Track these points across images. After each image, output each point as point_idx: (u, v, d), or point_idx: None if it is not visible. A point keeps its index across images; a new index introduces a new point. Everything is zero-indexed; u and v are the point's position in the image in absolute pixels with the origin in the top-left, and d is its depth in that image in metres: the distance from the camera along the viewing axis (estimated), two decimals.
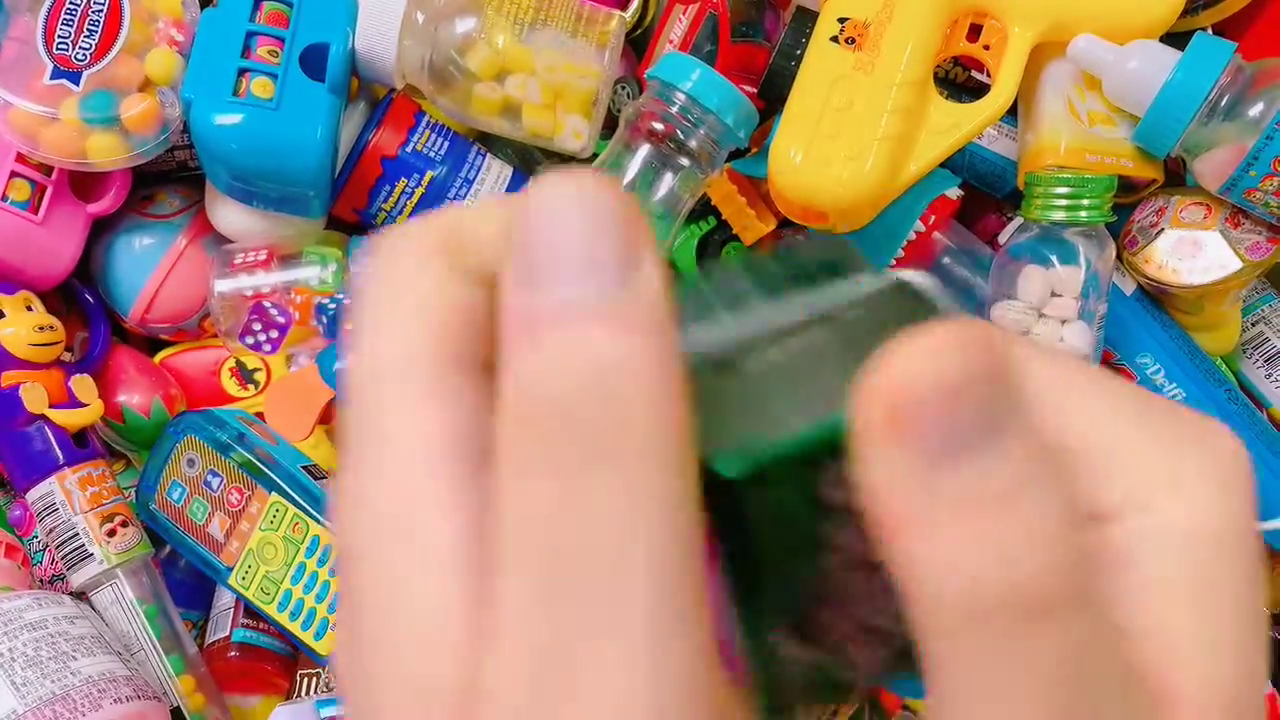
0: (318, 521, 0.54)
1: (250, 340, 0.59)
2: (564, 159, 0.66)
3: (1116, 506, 0.16)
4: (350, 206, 0.62)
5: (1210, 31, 0.57)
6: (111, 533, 0.56)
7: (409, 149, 0.60)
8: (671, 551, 0.14)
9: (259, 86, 0.54)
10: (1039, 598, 0.14)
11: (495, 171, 0.62)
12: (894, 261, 0.58)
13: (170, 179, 0.64)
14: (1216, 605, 0.16)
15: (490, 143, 0.65)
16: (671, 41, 0.63)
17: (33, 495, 0.56)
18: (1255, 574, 0.17)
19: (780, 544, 0.16)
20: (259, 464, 0.55)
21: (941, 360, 0.14)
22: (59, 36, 0.54)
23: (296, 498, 0.54)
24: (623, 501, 0.14)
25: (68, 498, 0.56)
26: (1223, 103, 0.52)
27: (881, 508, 0.14)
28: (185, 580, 0.62)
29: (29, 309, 0.57)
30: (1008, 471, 0.14)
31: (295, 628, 0.54)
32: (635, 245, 0.15)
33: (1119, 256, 0.58)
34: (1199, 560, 0.16)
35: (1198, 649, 0.16)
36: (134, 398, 0.60)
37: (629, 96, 0.65)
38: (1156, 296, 0.59)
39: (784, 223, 0.64)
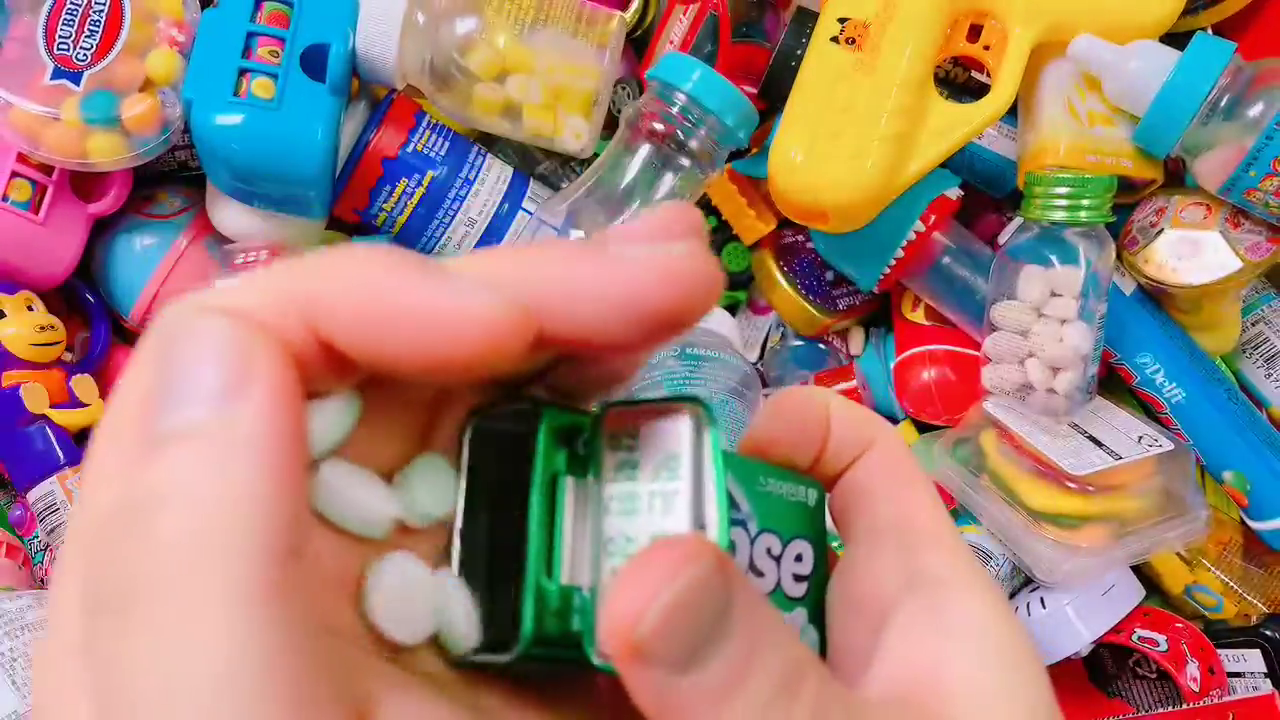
0: None
1: None
2: (565, 159, 0.66)
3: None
4: (351, 207, 0.62)
5: (1210, 31, 0.57)
6: None
7: (409, 149, 0.60)
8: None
9: (260, 87, 0.54)
10: None
11: (495, 172, 0.62)
12: (894, 261, 0.58)
13: (171, 179, 0.64)
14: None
15: (491, 143, 0.65)
16: (672, 42, 0.63)
17: (34, 495, 0.56)
18: None
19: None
20: None
21: (665, 587, 0.16)
22: (60, 37, 0.54)
23: None
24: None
25: (69, 498, 0.56)
26: (1222, 103, 0.52)
27: (642, 703, 0.17)
28: None
29: (30, 309, 0.57)
30: (734, 661, 0.17)
31: None
32: (243, 373, 0.15)
33: (1119, 256, 0.58)
34: None
35: None
36: None
37: (629, 97, 0.65)
38: (1156, 296, 0.59)
39: (784, 222, 0.64)
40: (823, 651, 0.23)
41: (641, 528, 0.19)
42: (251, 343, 0.15)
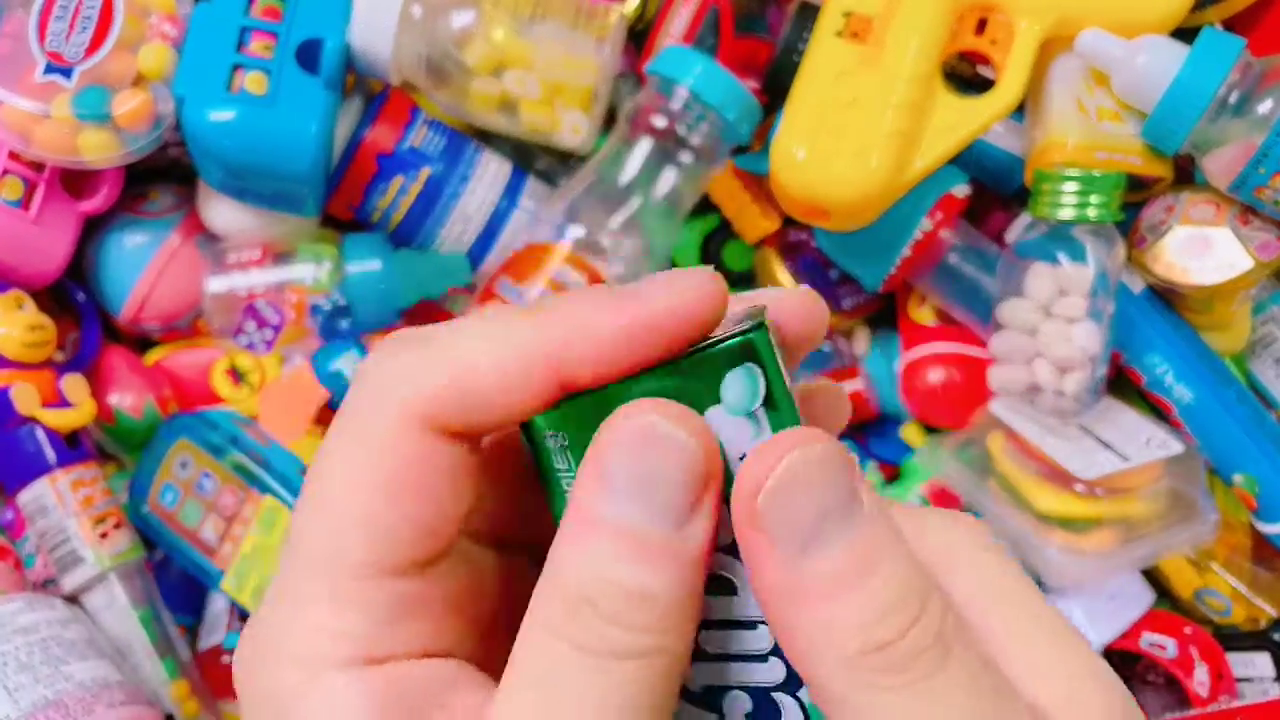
0: None
1: (244, 340, 0.59)
2: (563, 155, 0.66)
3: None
4: (345, 203, 0.61)
5: (1219, 27, 0.57)
6: (104, 535, 0.55)
7: (405, 145, 0.60)
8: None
9: (253, 82, 0.53)
10: (901, 650, 0.17)
11: (493, 168, 0.62)
12: (900, 260, 0.58)
13: (163, 176, 0.63)
14: None
15: (488, 138, 0.64)
16: (673, 36, 0.63)
17: (24, 497, 0.56)
18: None
19: None
20: (253, 466, 0.54)
21: (786, 456, 0.18)
22: (51, 32, 0.53)
23: (291, 500, 0.54)
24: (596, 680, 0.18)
25: (59, 500, 0.55)
26: (1232, 99, 0.51)
27: (761, 585, 0.18)
28: (178, 584, 0.61)
29: (21, 308, 0.56)
30: (856, 552, 0.18)
31: None
32: (699, 499, 0.19)
33: (1128, 255, 0.57)
34: None
35: None
36: (126, 399, 0.60)
37: (629, 92, 0.65)
38: (1165, 295, 0.59)
39: (787, 221, 0.64)
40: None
41: None
42: (709, 473, 0.19)
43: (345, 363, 0.58)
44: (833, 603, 0.18)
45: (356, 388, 0.20)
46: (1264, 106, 0.51)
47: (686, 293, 0.19)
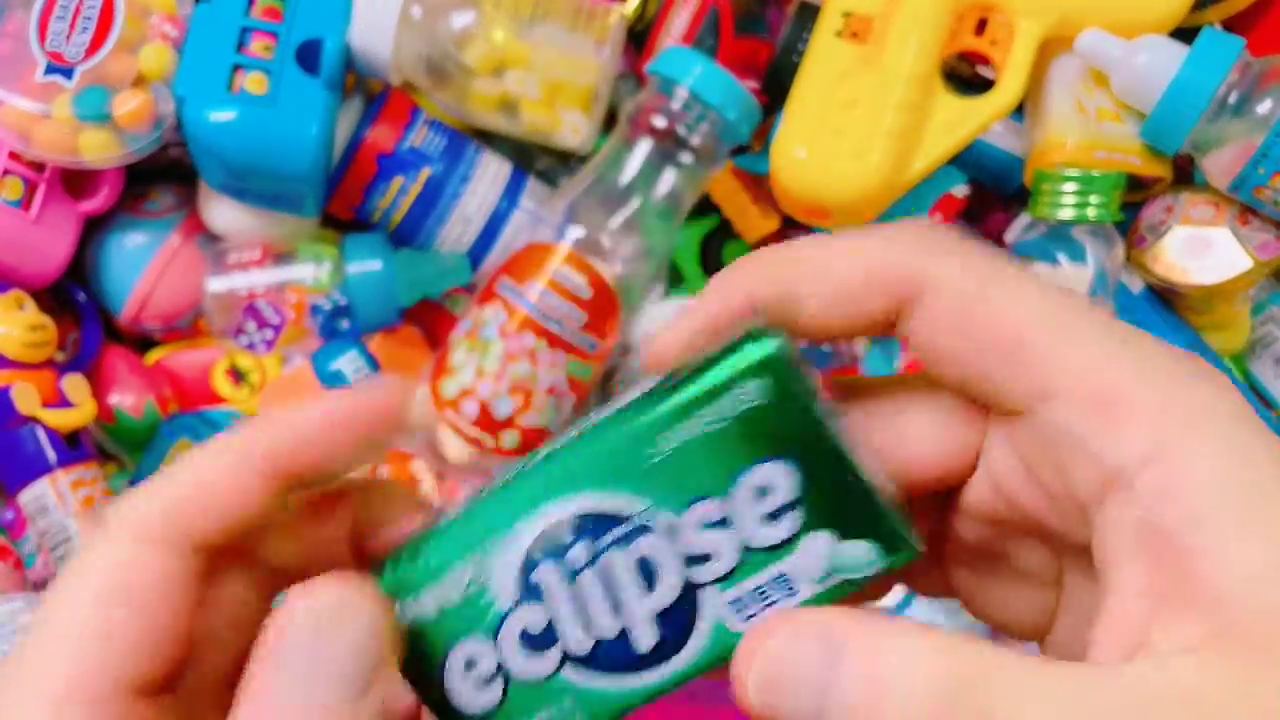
0: None
1: (244, 340, 0.59)
2: (563, 155, 0.66)
3: (1141, 455, 0.18)
4: (345, 204, 0.61)
5: (1218, 27, 0.57)
6: None
7: (405, 145, 0.60)
8: None
9: (253, 82, 0.53)
10: None
11: (493, 168, 0.62)
12: None
13: (163, 176, 0.63)
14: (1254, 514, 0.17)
15: (488, 139, 0.64)
16: (673, 36, 0.63)
17: (25, 497, 0.56)
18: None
19: None
20: None
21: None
22: (52, 32, 0.53)
23: None
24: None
25: (60, 500, 0.55)
26: (1231, 99, 0.51)
27: None
28: None
29: (21, 308, 0.56)
30: None
31: None
32: (373, 672, 0.20)
33: (1127, 255, 0.57)
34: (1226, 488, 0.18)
35: (1234, 549, 0.17)
36: (127, 399, 0.60)
37: (629, 92, 0.65)
38: (1165, 295, 0.59)
39: (787, 221, 0.64)
40: (900, 561, 0.20)
41: None
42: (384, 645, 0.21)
43: (346, 363, 0.58)
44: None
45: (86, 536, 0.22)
46: (1263, 106, 0.51)
47: (374, 394, 0.22)
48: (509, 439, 0.54)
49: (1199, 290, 0.56)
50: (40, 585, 0.59)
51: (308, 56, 0.54)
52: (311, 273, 0.59)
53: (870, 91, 0.51)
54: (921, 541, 0.20)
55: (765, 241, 0.65)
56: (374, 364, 0.59)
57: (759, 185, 0.63)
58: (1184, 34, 0.53)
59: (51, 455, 0.55)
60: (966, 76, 0.62)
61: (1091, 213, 0.52)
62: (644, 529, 0.20)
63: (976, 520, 0.23)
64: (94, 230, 0.60)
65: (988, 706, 0.17)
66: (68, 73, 0.53)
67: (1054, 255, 0.53)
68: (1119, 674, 0.17)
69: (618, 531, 0.20)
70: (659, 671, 0.21)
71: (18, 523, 0.60)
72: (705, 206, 0.65)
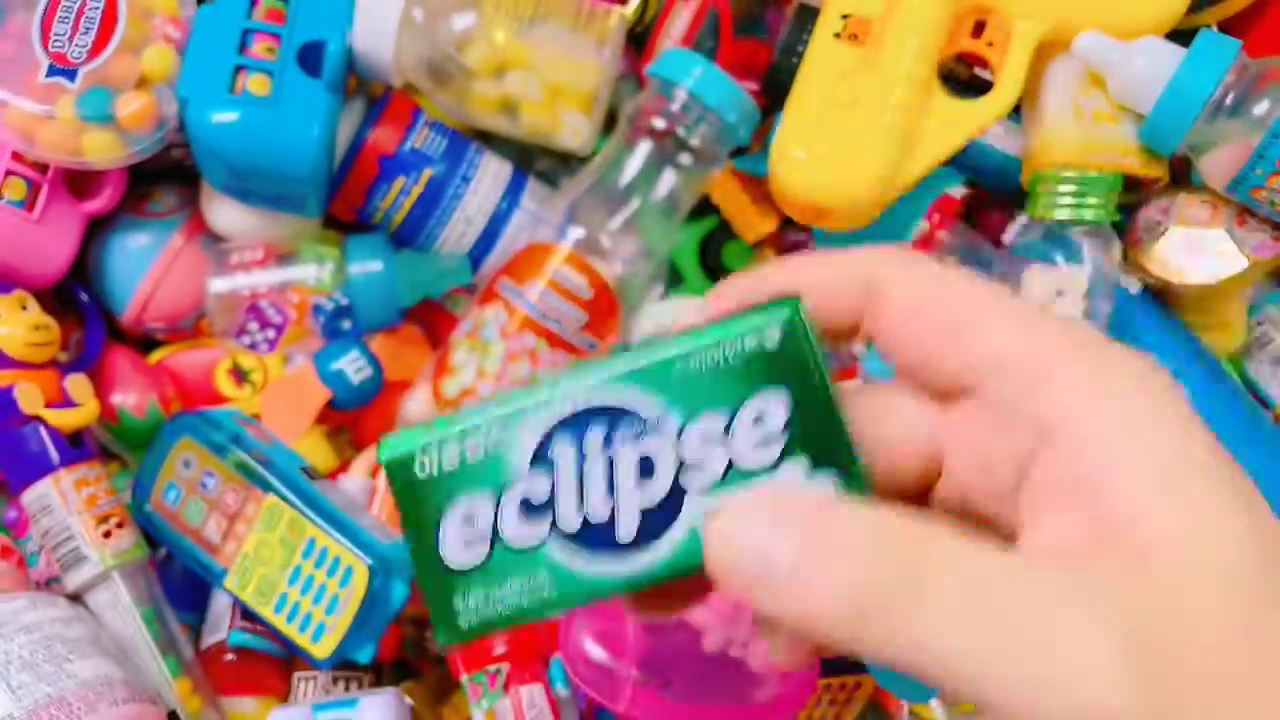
0: (315, 523, 0.53)
1: (246, 340, 0.59)
2: (564, 156, 0.66)
3: (1065, 415, 0.21)
4: (347, 205, 0.61)
5: (1215, 29, 0.57)
6: (107, 534, 0.56)
7: (407, 147, 0.60)
8: None
9: (255, 84, 0.53)
10: None
11: (494, 169, 0.62)
12: None
13: (166, 177, 0.63)
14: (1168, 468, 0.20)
15: (489, 140, 0.64)
16: (672, 38, 0.63)
17: (28, 496, 0.56)
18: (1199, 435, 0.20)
19: None
20: (255, 465, 0.55)
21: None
22: (55, 34, 0.54)
23: (293, 499, 0.54)
24: None
25: (63, 499, 0.55)
26: (1228, 101, 0.51)
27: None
28: (181, 582, 0.61)
29: (24, 308, 0.56)
30: None
31: (292, 630, 0.54)
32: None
33: (1124, 255, 0.57)
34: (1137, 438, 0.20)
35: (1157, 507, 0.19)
36: (129, 399, 0.60)
37: (629, 93, 0.65)
38: (1162, 296, 0.59)
39: (786, 221, 0.64)
40: (861, 486, 0.23)
41: None
42: None
43: (347, 362, 0.59)
44: None
45: None
46: (1260, 108, 0.51)
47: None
48: None
49: (1195, 290, 0.56)
50: (43, 584, 0.60)
51: (310, 58, 0.55)
52: (313, 273, 0.59)
53: (869, 93, 0.51)
54: (871, 479, 0.23)
55: (764, 242, 0.65)
56: (376, 363, 0.60)
57: (758, 186, 0.63)
58: (1180, 36, 0.53)
59: (54, 455, 0.56)
60: (964, 78, 0.63)
61: (1089, 213, 0.53)
62: (654, 429, 0.23)
63: (950, 517, 0.24)
64: (97, 231, 0.61)
65: (912, 569, 0.19)
66: (70, 74, 0.53)
67: (1051, 256, 0.53)
68: (1034, 568, 0.20)
69: (633, 427, 0.24)
70: (632, 563, 0.24)
71: (21, 522, 0.60)
72: (705, 207, 0.65)
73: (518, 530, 0.24)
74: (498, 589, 0.24)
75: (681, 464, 0.23)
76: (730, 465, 0.23)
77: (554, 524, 0.24)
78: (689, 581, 0.23)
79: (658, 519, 0.23)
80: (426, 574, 0.24)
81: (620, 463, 0.24)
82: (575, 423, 0.24)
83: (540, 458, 0.24)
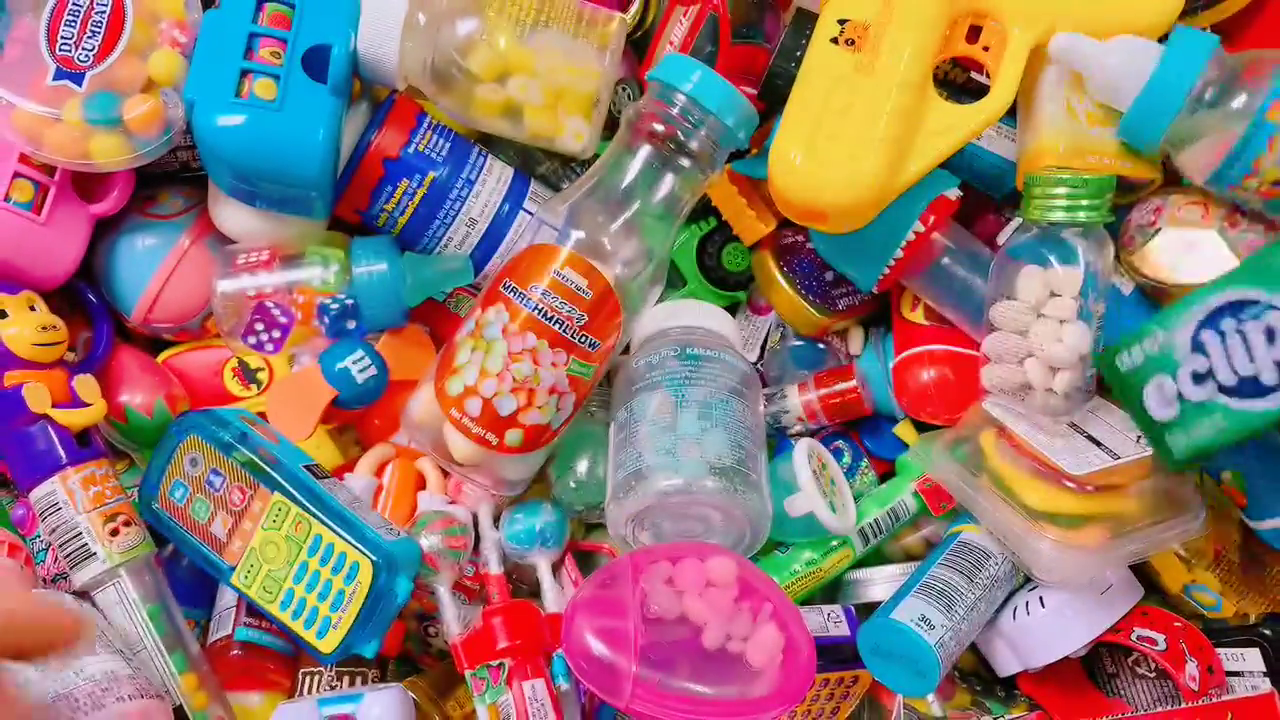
0: (320, 521, 0.54)
1: (253, 340, 0.59)
2: (566, 159, 0.67)
3: None
4: (352, 207, 0.62)
5: (1209, 31, 0.57)
6: (114, 532, 0.56)
7: (411, 150, 0.61)
8: None
9: (261, 87, 0.54)
10: None
11: (496, 173, 0.62)
12: (893, 261, 0.58)
13: (173, 179, 0.64)
14: None
15: (492, 144, 0.65)
16: (672, 43, 0.63)
17: (36, 495, 0.56)
18: None
19: None
20: (261, 463, 0.55)
21: None
22: (62, 38, 0.54)
23: (299, 497, 0.54)
24: None
25: (70, 497, 0.56)
26: (1208, 95, 0.51)
27: None
28: (188, 579, 0.62)
29: (32, 309, 0.57)
30: None
31: (298, 626, 0.54)
32: None
33: (1117, 256, 0.58)
34: None
35: None
36: (137, 398, 0.60)
37: (630, 98, 0.66)
38: (1155, 296, 0.59)
39: (784, 223, 0.64)
40: None
41: None
42: None
43: (352, 362, 0.59)
44: None
45: None
46: (1239, 101, 0.51)
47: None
48: (512, 437, 0.55)
49: (1188, 290, 0.56)
50: (50, 581, 0.60)
51: (315, 63, 0.55)
52: (319, 274, 0.59)
53: (865, 97, 0.52)
54: None
55: (762, 243, 0.66)
56: (381, 363, 0.60)
57: (756, 189, 0.64)
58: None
59: (62, 454, 0.56)
60: (960, 82, 0.63)
61: (1082, 215, 0.53)
62: (1271, 308, 0.40)
63: None
64: (104, 232, 0.61)
65: None
66: (78, 77, 0.54)
67: (1045, 257, 0.54)
68: None
69: (1254, 310, 0.42)
70: (1276, 399, 0.42)
71: (29, 520, 0.61)
72: (704, 209, 0.66)
73: (1193, 391, 0.44)
74: (1192, 431, 0.46)
75: None
76: None
77: (1217, 383, 0.41)
78: None
79: None
80: (1145, 427, 0.49)
81: (1251, 336, 0.41)
82: (1213, 318, 0.43)
83: (1195, 345, 0.45)
